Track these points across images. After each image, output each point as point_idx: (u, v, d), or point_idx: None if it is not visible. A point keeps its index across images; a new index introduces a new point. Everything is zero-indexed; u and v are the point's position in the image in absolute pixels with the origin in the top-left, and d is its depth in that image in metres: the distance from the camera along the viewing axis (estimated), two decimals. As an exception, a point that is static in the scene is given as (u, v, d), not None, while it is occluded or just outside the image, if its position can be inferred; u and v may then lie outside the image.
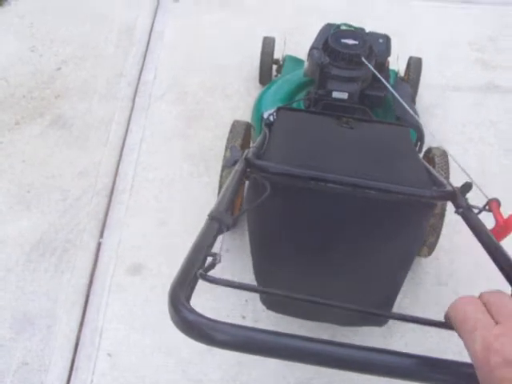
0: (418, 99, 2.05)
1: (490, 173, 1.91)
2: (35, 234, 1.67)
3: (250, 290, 0.69)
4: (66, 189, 1.80)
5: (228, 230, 0.82)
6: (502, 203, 1.78)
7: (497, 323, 0.45)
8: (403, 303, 1.53)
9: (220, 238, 0.79)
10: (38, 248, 1.63)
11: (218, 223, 0.80)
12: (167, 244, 1.64)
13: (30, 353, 1.41)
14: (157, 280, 1.56)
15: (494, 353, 0.42)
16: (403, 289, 1.23)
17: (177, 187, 1.82)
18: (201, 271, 0.63)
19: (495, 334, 0.43)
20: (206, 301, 1.49)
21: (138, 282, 1.57)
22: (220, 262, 0.69)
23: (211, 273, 0.66)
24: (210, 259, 0.69)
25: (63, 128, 2.01)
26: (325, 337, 1.43)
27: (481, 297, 0.49)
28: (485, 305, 0.47)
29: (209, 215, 0.82)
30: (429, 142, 1.64)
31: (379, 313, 0.65)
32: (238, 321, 1.48)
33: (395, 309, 1.28)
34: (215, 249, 0.73)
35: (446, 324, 0.52)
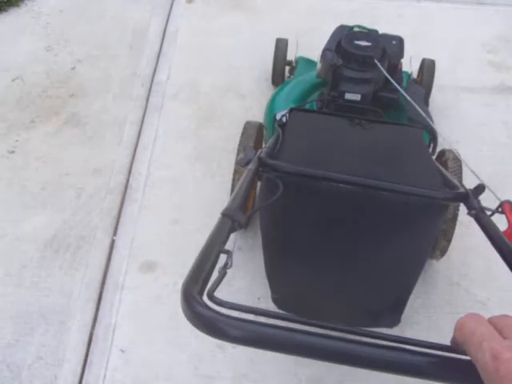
0: (431, 100, 2.05)
1: (503, 173, 1.91)
2: (50, 230, 1.69)
3: (258, 313, 0.65)
4: (80, 186, 1.82)
5: (241, 228, 0.82)
6: (514, 204, 1.78)
7: (505, 339, 0.45)
8: (415, 304, 1.53)
9: (232, 237, 0.79)
10: (52, 245, 1.65)
11: (231, 221, 0.80)
12: (180, 242, 1.66)
13: (44, 348, 1.43)
14: (169, 278, 1.57)
15: (504, 362, 0.42)
16: (415, 289, 1.23)
17: (190, 186, 1.84)
18: (208, 290, 0.62)
19: (505, 346, 0.43)
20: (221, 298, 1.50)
21: (150, 280, 1.58)
22: (231, 266, 0.69)
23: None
24: (218, 270, 0.68)
25: (78, 127, 2.03)
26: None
27: (489, 320, 0.49)
28: (495, 328, 0.48)
29: (222, 213, 0.82)
30: (442, 142, 1.64)
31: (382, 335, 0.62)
32: (251, 318, 1.48)
33: (407, 309, 1.28)
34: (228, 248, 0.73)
35: (453, 348, 0.52)
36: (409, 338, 0.61)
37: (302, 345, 0.54)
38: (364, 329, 0.62)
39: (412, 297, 1.25)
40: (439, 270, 1.63)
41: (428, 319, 1.52)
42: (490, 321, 0.49)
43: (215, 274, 0.66)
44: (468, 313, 0.52)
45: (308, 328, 0.57)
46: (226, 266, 0.68)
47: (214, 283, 0.64)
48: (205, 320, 0.55)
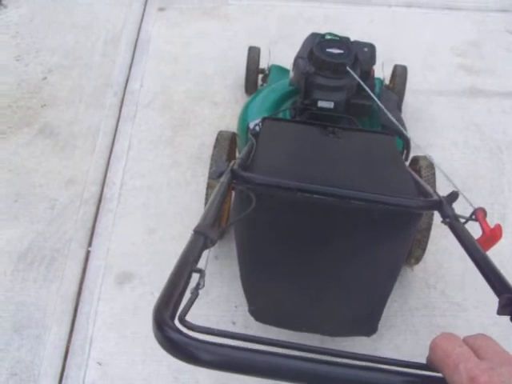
0: (403, 105, 2.06)
1: (475, 176, 1.93)
2: (23, 243, 1.66)
3: (229, 336, 0.62)
4: (54, 198, 1.79)
5: (213, 245, 0.80)
6: (489, 205, 1.81)
7: (481, 360, 0.45)
8: (392, 307, 1.54)
9: (205, 254, 0.78)
10: (26, 257, 1.62)
11: (203, 238, 0.78)
12: (156, 251, 1.64)
13: (18, 363, 1.40)
14: (146, 288, 1.56)
15: None
16: (392, 293, 1.23)
17: (164, 195, 1.83)
18: (179, 314, 0.59)
19: (482, 369, 0.43)
20: (197, 308, 1.49)
21: (127, 290, 1.56)
22: (204, 286, 0.68)
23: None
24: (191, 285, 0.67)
25: (50, 137, 2.00)
26: (315, 342, 1.44)
27: (465, 340, 0.49)
28: (470, 348, 0.47)
29: (194, 230, 0.79)
30: (414, 147, 1.66)
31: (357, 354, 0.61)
32: (229, 326, 1.48)
33: (385, 313, 1.28)
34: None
35: (429, 367, 0.52)
36: (385, 358, 0.60)
37: (275, 367, 0.52)
38: (339, 350, 0.60)
39: (389, 301, 1.25)
40: (415, 273, 1.64)
41: (405, 322, 1.52)
42: (466, 341, 0.49)
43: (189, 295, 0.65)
44: (442, 332, 0.51)
45: (281, 350, 0.55)
46: (198, 287, 0.67)
47: (186, 306, 0.61)
48: (175, 345, 0.53)
